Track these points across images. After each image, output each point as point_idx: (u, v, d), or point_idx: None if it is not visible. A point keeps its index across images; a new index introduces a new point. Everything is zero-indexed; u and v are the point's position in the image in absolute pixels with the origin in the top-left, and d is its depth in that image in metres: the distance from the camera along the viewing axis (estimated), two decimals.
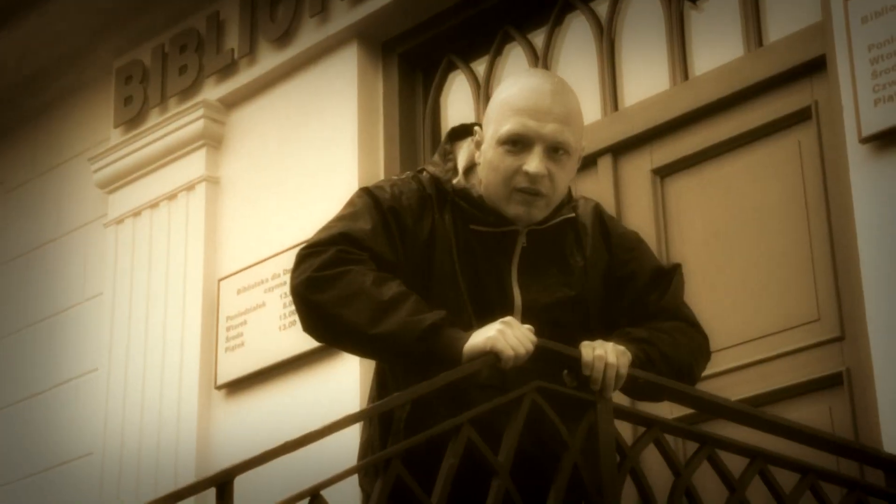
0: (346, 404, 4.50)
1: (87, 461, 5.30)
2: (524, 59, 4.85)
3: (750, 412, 2.95)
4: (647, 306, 2.66)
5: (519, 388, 2.40)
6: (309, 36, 5.12)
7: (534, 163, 2.49)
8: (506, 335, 2.37)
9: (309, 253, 2.48)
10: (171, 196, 5.37)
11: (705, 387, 3.56)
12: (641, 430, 2.61)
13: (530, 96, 2.52)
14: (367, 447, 2.59)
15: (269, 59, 5.22)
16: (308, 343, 3.97)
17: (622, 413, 2.55)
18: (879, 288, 3.67)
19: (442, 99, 5.08)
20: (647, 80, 4.47)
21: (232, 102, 5.35)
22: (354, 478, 2.40)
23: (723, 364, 3.91)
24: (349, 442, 2.62)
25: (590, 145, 4.39)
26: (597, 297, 2.63)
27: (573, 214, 2.63)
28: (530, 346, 2.39)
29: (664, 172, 4.35)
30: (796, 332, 3.91)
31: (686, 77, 4.39)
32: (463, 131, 2.67)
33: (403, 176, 2.65)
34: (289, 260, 4.97)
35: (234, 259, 5.14)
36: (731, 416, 2.81)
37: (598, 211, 2.70)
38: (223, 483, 2.09)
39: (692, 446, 2.66)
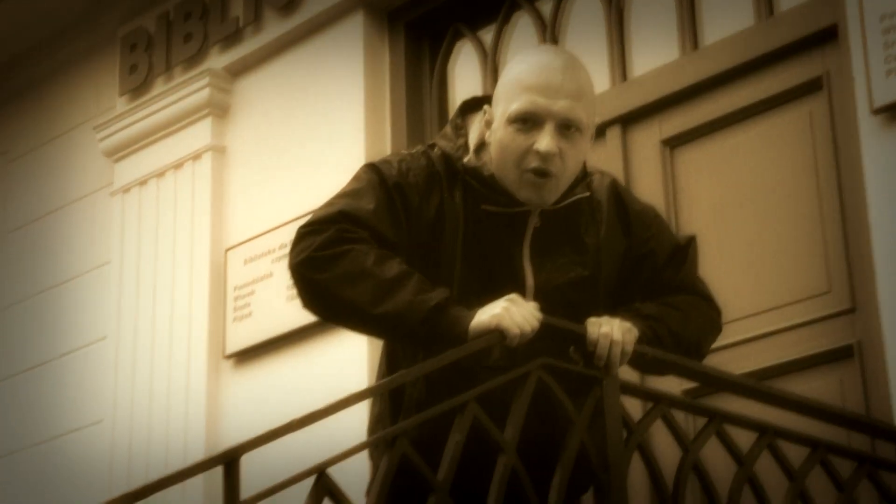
0: (354, 374, 4.50)
1: (97, 429, 5.31)
2: (532, 28, 4.81)
3: (758, 386, 2.94)
4: (664, 282, 2.63)
5: (525, 365, 2.38)
6: (314, 4, 5.08)
7: (545, 141, 2.44)
8: (511, 312, 2.35)
9: (308, 231, 2.45)
10: (178, 165, 5.35)
11: (714, 360, 3.54)
12: (649, 405, 2.60)
13: (540, 73, 2.47)
14: (377, 422, 2.58)
15: (274, 28, 5.19)
16: None
17: (629, 389, 2.54)
18: (891, 259, 3.65)
19: (449, 67, 5.05)
20: (656, 50, 4.43)
21: (237, 71, 5.32)
22: (363, 453, 2.39)
23: (732, 336, 3.89)
24: (357, 417, 2.61)
25: (598, 116, 4.37)
26: (611, 276, 2.59)
27: (587, 193, 2.58)
28: (535, 323, 2.37)
29: (673, 143, 4.31)
30: (807, 304, 3.89)
31: (696, 47, 4.35)
32: (475, 104, 2.62)
33: (413, 151, 2.60)
34: (296, 229, 5.00)
35: (241, 229, 5.13)
36: (739, 390, 2.80)
37: (613, 187, 2.65)
38: (230, 461, 2.09)
39: (699, 422, 2.64)
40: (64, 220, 5.82)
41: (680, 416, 2.68)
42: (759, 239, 4.05)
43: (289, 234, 4.84)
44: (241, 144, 5.26)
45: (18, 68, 6.08)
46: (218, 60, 5.34)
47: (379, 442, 2.36)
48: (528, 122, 2.46)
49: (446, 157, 2.55)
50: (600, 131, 4.36)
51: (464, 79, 4.98)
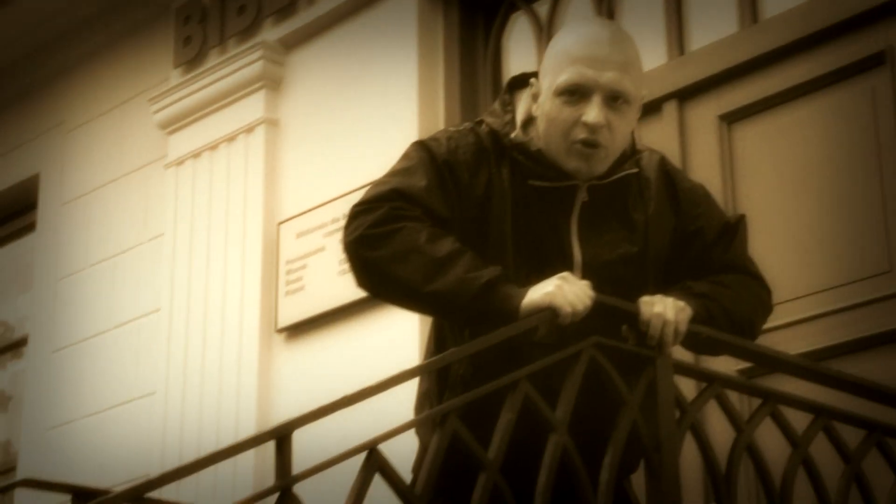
0: (405, 349, 4.49)
1: (149, 401, 5.35)
2: (588, 1, 4.75)
3: (815, 367, 2.90)
4: (713, 261, 2.61)
5: (577, 344, 2.35)
6: None
7: (592, 112, 2.43)
8: (563, 290, 2.33)
9: (362, 210, 2.45)
10: (231, 138, 5.36)
11: (769, 340, 3.50)
12: (702, 385, 2.56)
13: (587, 45, 2.46)
14: (424, 399, 2.57)
15: (328, 0, 5.17)
16: None
17: (682, 369, 2.51)
18: None
19: (503, 40, 5.01)
20: (714, 23, 4.37)
21: (291, 44, 5.31)
22: (409, 431, 2.38)
23: (789, 316, 3.84)
24: (406, 394, 2.60)
25: (655, 90, 4.32)
26: (659, 254, 2.57)
27: (636, 169, 2.56)
28: (588, 302, 2.36)
29: (731, 118, 4.25)
30: (866, 284, 3.83)
31: (755, 20, 4.28)
32: (523, 80, 2.60)
33: (461, 127, 2.59)
34: (348, 204, 4.98)
35: (294, 202, 5.13)
36: (795, 370, 2.76)
37: (663, 164, 2.63)
38: (282, 436, 2.09)
39: (753, 403, 2.61)
40: (118, 193, 5.85)
41: (733, 398, 2.64)
42: (817, 216, 3.99)
43: (342, 208, 4.90)
44: (294, 117, 5.25)
45: (75, 40, 6.11)
46: (272, 33, 5.33)
47: (429, 419, 2.35)
48: (575, 93, 2.45)
49: (494, 134, 2.54)
50: (657, 106, 4.32)
51: (518, 52, 4.93)
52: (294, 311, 4.99)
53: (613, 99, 2.45)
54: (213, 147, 5.40)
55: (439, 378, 2.51)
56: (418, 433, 2.56)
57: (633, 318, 2.42)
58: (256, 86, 5.31)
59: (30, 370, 6.00)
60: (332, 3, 5.16)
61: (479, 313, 2.36)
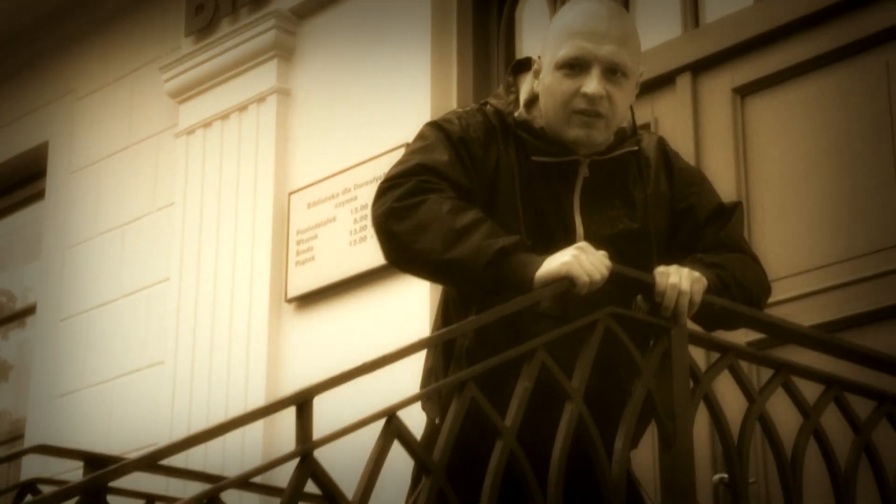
0: (415, 320, 4.49)
1: (158, 370, 5.36)
2: None
3: (827, 338, 2.91)
4: (705, 239, 2.65)
5: (592, 314, 2.37)
6: None
7: (592, 84, 2.51)
8: (581, 260, 2.36)
9: (390, 185, 2.50)
10: (242, 107, 5.35)
11: (780, 312, 3.50)
12: (714, 356, 2.57)
13: (586, 20, 2.55)
14: (430, 375, 2.61)
15: None
16: (378, 259, 3.94)
17: (697, 339, 2.52)
18: None
19: (517, 12, 4.99)
20: None
21: (303, 13, 5.30)
22: (417, 404, 2.39)
23: (801, 288, 3.85)
24: (417, 365, 2.61)
25: (669, 62, 4.31)
26: (660, 232, 2.62)
27: (636, 148, 2.62)
28: (605, 272, 2.38)
29: (745, 91, 4.24)
30: (878, 257, 3.83)
31: None
32: (526, 64, 2.68)
33: (468, 108, 2.67)
34: (360, 174, 5.01)
35: (305, 172, 5.12)
36: (808, 342, 2.77)
37: (661, 144, 2.70)
38: (303, 402, 2.11)
39: (764, 375, 2.62)
40: (128, 161, 5.85)
41: (745, 369, 2.64)
42: (831, 189, 3.98)
43: (353, 179, 4.91)
44: (306, 87, 5.24)
45: (86, 8, 6.09)
46: (284, 2, 5.31)
47: (442, 389, 2.36)
48: (575, 67, 2.53)
49: (499, 113, 2.61)
50: (670, 78, 4.31)
51: (532, 24, 4.92)
52: (304, 281, 5.00)
53: (612, 72, 2.53)
54: (225, 116, 5.40)
55: (445, 353, 2.55)
56: (425, 408, 2.59)
57: (649, 288, 2.44)
58: (268, 55, 5.30)
59: (38, 339, 6.01)
60: None
61: (493, 280, 2.38)
